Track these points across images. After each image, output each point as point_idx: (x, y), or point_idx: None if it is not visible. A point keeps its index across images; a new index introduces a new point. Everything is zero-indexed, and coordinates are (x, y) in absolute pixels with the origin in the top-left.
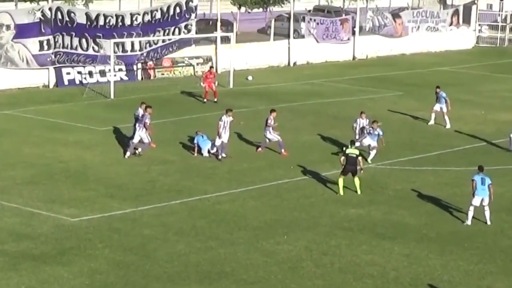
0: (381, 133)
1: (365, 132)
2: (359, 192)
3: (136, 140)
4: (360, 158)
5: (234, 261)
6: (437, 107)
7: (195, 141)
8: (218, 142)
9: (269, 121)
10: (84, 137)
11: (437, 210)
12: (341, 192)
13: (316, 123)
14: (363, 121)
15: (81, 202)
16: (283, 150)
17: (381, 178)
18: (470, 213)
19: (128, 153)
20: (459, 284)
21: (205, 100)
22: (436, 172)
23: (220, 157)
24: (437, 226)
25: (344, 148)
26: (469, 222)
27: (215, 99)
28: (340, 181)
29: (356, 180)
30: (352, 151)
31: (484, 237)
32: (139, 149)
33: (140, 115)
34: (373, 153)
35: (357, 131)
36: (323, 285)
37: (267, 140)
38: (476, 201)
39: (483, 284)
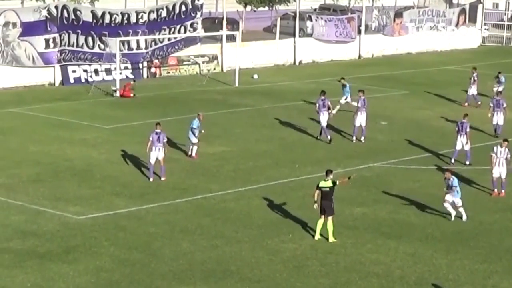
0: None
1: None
2: (331, 240)
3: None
4: (338, 182)
5: (239, 259)
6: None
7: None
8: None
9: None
10: (90, 135)
11: (442, 210)
12: (317, 236)
13: None
14: (501, 150)
15: (86, 200)
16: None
17: (386, 177)
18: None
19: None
20: (464, 283)
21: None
22: (441, 171)
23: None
24: (442, 226)
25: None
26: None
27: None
28: (319, 223)
29: (329, 224)
30: (324, 184)
31: (489, 236)
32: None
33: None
34: None
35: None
36: (328, 283)
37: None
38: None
39: (489, 284)
